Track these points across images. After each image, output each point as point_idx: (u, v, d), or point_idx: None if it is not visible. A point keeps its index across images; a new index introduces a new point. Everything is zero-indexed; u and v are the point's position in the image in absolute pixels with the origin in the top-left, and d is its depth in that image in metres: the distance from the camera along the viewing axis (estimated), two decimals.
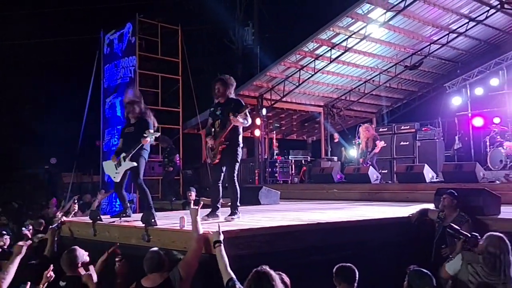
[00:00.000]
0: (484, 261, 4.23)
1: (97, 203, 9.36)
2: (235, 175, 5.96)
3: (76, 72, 19.84)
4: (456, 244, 4.80)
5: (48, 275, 4.47)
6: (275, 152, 15.84)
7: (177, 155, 13.16)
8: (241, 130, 6.01)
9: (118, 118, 13.82)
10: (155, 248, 4.46)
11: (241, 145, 6.00)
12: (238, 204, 5.99)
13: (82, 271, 4.51)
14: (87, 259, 4.65)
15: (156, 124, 6.53)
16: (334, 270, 4.07)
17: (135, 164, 6.12)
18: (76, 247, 4.74)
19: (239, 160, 5.99)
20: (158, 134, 6.34)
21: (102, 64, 14.85)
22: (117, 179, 6.34)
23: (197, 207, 4.68)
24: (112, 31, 14.67)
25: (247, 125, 5.90)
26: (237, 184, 5.99)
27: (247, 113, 5.84)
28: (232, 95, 6.01)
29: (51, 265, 4.54)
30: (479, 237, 4.48)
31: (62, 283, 4.51)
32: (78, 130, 14.08)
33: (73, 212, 7.07)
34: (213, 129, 5.98)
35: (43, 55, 21.08)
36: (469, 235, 4.61)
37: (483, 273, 4.22)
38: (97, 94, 14.75)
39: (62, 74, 21.49)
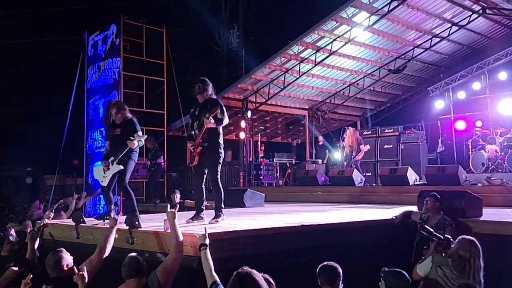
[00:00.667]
0: (453, 264, 4.23)
1: (73, 204, 9.23)
2: (218, 176, 5.92)
3: (59, 74, 19.64)
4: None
5: (27, 284, 4.28)
6: (260, 154, 15.85)
7: (162, 156, 13.09)
8: (221, 130, 5.97)
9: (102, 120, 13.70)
10: (134, 254, 4.41)
11: (222, 145, 5.97)
12: (223, 206, 5.96)
13: (66, 273, 4.38)
14: (71, 262, 4.54)
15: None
16: (317, 270, 4.08)
17: (122, 167, 6.09)
18: (62, 249, 4.65)
19: (221, 162, 5.94)
20: (145, 137, 6.28)
21: (86, 66, 14.73)
22: (105, 183, 6.29)
23: (173, 210, 4.62)
24: (96, 32, 14.57)
25: (223, 124, 5.84)
26: (220, 186, 5.96)
27: (224, 112, 5.81)
28: (212, 96, 5.98)
29: (30, 274, 4.40)
30: (452, 240, 4.50)
31: (46, 287, 4.38)
32: (61, 131, 13.92)
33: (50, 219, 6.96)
34: (192, 132, 5.97)
35: (26, 55, 20.84)
36: (442, 238, 4.61)
37: (452, 275, 4.22)
38: (81, 96, 14.62)
39: (45, 75, 21.26)
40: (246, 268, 3.43)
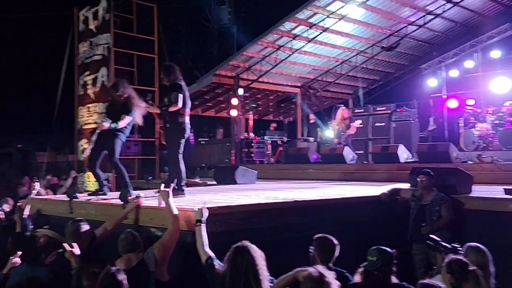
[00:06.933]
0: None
1: (69, 181, 9.22)
2: (179, 155, 6.10)
3: (49, 50, 19.36)
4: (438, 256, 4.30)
5: (13, 261, 4.41)
6: (251, 133, 15.83)
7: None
8: (185, 111, 6.17)
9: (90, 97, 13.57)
10: (129, 229, 4.47)
11: (185, 124, 6.14)
12: (182, 183, 6.12)
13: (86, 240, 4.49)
14: (88, 227, 4.62)
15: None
16: (314, 240, 4.20)
17: (117, 125, 6.07)
18: (80, 218, 4.76)
19: (181, 141, 6.12)
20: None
21: (76, 42, 14.50)
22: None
23: (167, 190, 4.66)
24: (86, 7, 14.30)
25: (174, 109, 6.02)
26: (180, 164, 6.12)
27: (177, 97, 5.96)
28: (176, 80, 6.20)
29: (19, 252, 4.47)
30: (458, 247, 4.10)
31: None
32: (52, 108, 13.79)
33: (35, 192, 6.94)
34: None
35: (15, 31, 20.49)
36: (449, 247, 4.16)
37: None
38: (71, 72, 14.44)
39: (35, 51, 20.95)
40: (244, 242, 3.46)
